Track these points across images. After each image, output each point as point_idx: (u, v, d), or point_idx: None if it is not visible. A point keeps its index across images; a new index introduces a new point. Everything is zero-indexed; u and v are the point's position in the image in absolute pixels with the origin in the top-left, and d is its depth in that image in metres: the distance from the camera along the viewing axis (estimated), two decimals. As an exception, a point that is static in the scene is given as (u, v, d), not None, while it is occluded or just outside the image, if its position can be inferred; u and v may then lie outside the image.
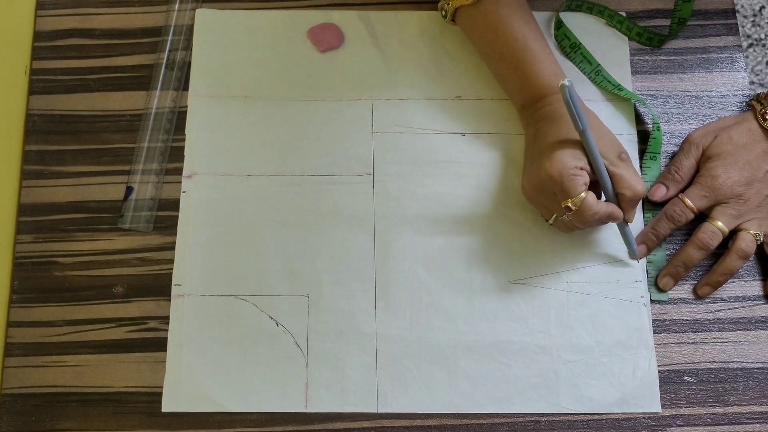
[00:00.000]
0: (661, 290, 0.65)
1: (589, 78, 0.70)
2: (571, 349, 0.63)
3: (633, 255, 0.65)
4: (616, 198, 0.61)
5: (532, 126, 0.64)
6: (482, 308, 0.64)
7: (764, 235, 0.63)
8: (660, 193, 0.65)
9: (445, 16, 0.68)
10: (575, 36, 0.70)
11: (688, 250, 0.63)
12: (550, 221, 0.63)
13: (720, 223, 0.63)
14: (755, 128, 0.64)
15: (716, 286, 0.64)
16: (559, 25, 0.71)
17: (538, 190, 0.61)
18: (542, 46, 0.64)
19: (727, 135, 0.64)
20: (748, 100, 0.69)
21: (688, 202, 0.63)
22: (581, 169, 0.59)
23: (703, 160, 0.65)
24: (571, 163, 0.58)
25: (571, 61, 0.70)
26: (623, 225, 0.63)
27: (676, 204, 0.64)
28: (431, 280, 0.65)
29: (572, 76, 0.67)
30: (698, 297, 0.65)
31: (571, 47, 0.70)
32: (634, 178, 0.61)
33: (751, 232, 0.63)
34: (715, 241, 0.63)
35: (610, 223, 0.64)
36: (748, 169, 0.63)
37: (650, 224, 0.65)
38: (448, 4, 0.66)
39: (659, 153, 0.67)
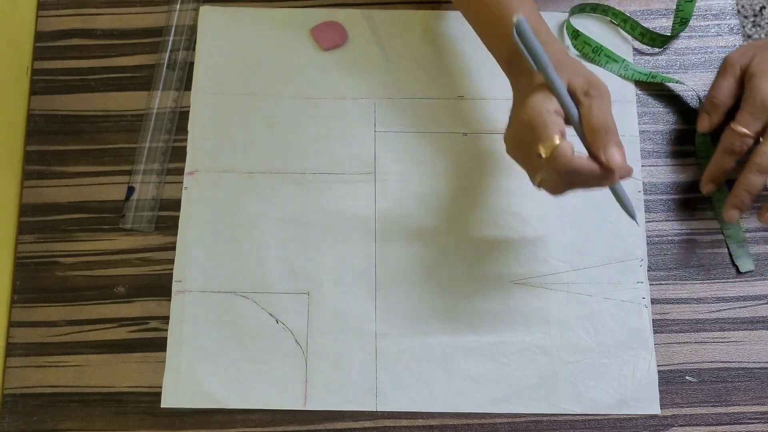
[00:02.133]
0: (729, 225, 0.61)
1: (620, 75, 0.69)
2: (571, 350, 0.63)
3: (632, 216, 0.56)
4: (584, 139, 0.53)
5: (515, 81, 0.59)
6: (482, 308, 0.64)
7: None
8: (705, 124, 0.63)
9: None
10: (594, 40, 0.70)
11: (748, 177, 0.59)
12: (536, 182, 0.56)
13: None
14: None
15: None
16: (577, 34, 0.70)
17: (517, 144, 0.56)
18: (529, 3, 0.59)
19: (767, 53, 0.62)
20: None
21: (742, 129, 0.59)
22: (557, 113, 0.52)
23: (747, 79, 0.62)
24: (544, 106, 0.52)
25: (597, 64, 0.70)
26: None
27: (730, 136, 0.60)
28: (431, 279, 0.65)
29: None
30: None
31: (594, 51, 0.70)
32: (600, 111, 0.52)
33: None
34: None
35: (608, 220, 0.63)
36: None
37: (711, 163, 0.62)
38: None
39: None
